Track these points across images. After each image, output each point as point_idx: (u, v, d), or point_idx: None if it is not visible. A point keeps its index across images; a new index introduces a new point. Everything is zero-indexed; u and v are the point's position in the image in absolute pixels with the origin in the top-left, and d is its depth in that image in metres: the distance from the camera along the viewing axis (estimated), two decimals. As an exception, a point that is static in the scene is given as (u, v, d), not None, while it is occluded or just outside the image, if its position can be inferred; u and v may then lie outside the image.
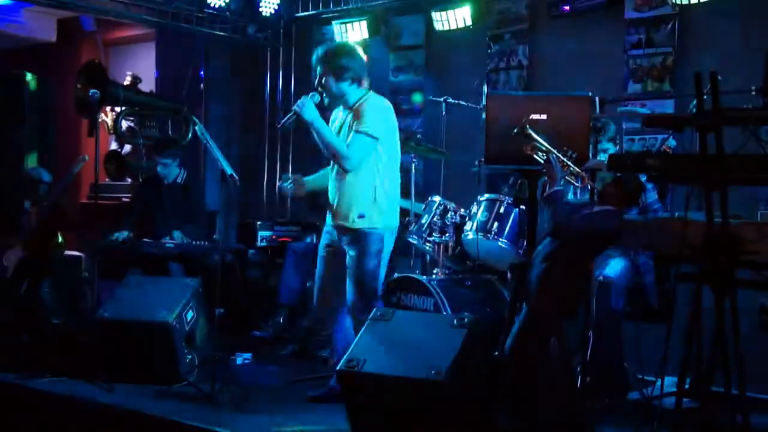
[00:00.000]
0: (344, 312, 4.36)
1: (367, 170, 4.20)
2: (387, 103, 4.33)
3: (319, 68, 4.26)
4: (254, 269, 6.44)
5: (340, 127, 4.30)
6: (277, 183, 4.49)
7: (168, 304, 4.76)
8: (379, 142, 4.19)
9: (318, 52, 4.30)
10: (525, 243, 4.33)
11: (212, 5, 6.71)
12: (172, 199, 5.97)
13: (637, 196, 3.57)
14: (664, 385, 3.14)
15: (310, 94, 4.24)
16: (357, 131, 4.17)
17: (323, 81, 4.25)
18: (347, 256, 4.25)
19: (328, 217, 4.38)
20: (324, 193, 4.42)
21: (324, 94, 4.24)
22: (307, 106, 4.15)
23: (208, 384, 4.36)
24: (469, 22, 6.09)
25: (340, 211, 4.26)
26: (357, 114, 4.21)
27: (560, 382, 3.64)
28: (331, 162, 4.34)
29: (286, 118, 4.23)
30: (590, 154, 3.76)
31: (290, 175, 4.51)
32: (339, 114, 4.38)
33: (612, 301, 4.37)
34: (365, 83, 4.31)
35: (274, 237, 6.63)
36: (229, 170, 4.54)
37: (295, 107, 4.17)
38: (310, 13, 7.22)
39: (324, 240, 4.42)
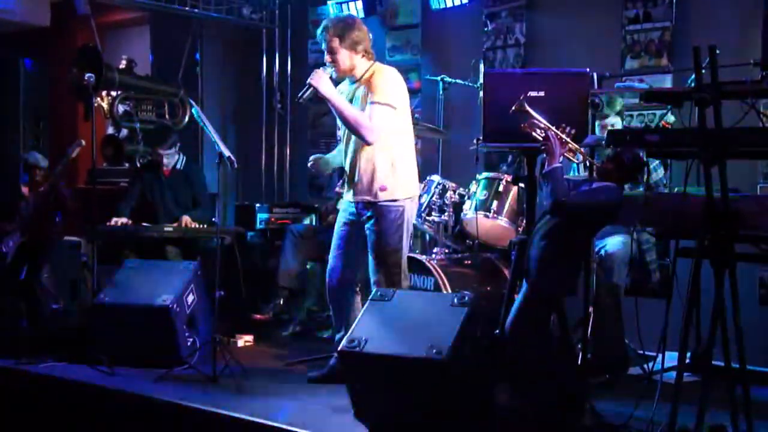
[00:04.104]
0: (355, 289, 4.35)
1: (385, 141, 4.17)
2: (397, 72, 4.28)
3: (333, 41, 4.17)
4: (253, 252, 6.44)
5: (350, 101, 4.25)
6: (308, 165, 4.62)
7: (168, 288, 4.77)
8: (395, 112, 4.16)
9: (329, 25, 4.21)
10: (524, 221, 4.33)
11: (206, -14, 6.68)
12: (173, 185, 5.96)
13: (636, 172, 3.55)
14: (664, 359, 3.15)
15: (323, 67, 4.20)
16: (374, 102, 4.12)
17: (337, 54, 4.19)
18: (368, 232, 4.21)
19: (347, 194, 4.35)
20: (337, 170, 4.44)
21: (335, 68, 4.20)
22: (324, 80, 4.12)
23: (209, 366, 4.37)
24: (465, 0, 6.05)
25: (362, 185, 4.21)
26: (370, 85, 4.17)
27: (561, 359, 3.64)
28: (345, 138, 4.31)
29: (302, 93, 4.18)
30: (588, 131, 3.75)
31: (312, 158, 4.55)
32: (344, 87, 4.33)
33: (614, 277, 4.37)
34: (371, 54, 4.28)
35: (272, 219, 6.63)
36: (226, 153, 4.53)
37: (310, 80, 4.13)
38: (306, -7, 7.19)
39: (341, 218, 4.38)
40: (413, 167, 4.32)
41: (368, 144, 4.15)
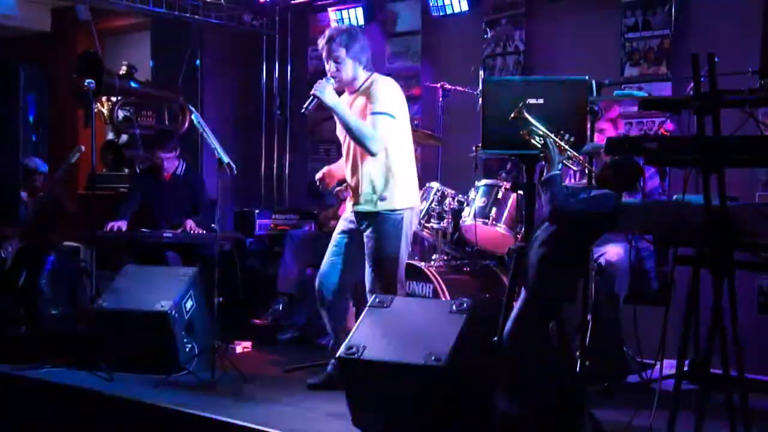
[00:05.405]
0: (348, 297, 4.35)
1: (385, 151, 4.18)
2: (395, 83, 4.33)
3: (339, 51, 4.19)
4: (253, 258, 6.44)
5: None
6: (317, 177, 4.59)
7: (167, 294, 4.76)
8: (395, 121, 4.18)
9: (335, 35, 4.22)
10: (523, 228, 4.33)
11: (207, -7, 6.70)
12: (173, 190, 5.96)
13: (635, 179, 3.55)
14: (663, 367, 3.15)
15: (326, 77, 4.21)
16: (375, 112, 4.14)
17: (341, 64, 4.20)
18: (366, 240, 4.22)
19: (349, 204, 4.37)
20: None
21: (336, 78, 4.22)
22: (328, 90, 4.13)
23: (207, 373, 4.37)
24: (465, 7, 6.06)
25: (362, 195, 4.23)
26: (370, 96, 4.19)
27: (559, 366, 3.64)
28: (346, 148, 4.32)
29: (307, 103, 4.18)
30: (587, 138, 3.75)
31: (318, 176, 4.53)
32: (343, 97, 4.33)
33: (615, 286, 4.37)
34: (371, 65, 4.31)
35: (272, 225, 6.63)
36: (225, 159, 4.54)
37: (314, 91, 4.13)
38: (306, 0, 7.19)
39: (340, 226, 4.40)
40: (413, 177, 4.34)
41: (372, 154, 4.16)
